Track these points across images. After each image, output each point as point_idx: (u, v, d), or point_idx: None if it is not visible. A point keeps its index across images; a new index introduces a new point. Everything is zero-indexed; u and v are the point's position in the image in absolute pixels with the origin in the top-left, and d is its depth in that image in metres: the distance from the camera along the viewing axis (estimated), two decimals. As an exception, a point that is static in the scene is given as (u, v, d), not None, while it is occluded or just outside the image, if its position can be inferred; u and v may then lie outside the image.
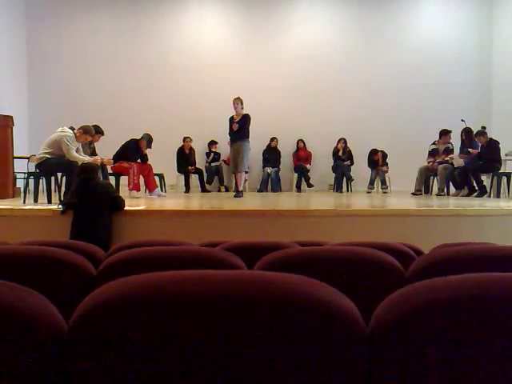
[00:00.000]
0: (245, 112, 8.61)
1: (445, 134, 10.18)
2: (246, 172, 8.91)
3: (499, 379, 0.98)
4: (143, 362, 0.96)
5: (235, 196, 8.61)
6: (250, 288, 0.99)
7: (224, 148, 11.91)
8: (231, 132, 8.59)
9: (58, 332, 0.99)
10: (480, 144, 9.37)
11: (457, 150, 10.11)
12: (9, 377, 0.97)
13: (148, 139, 8.89)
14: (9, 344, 0.97)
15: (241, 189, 8.78)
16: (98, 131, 7.99)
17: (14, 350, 0.97)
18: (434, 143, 10.33)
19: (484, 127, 9.56)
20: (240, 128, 8.43)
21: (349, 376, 0.98)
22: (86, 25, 12.14)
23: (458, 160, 9.52)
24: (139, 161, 8.84)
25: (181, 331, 0.96)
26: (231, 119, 8.62)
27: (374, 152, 11.27)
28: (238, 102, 8.56)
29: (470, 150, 9.44)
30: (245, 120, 8.49)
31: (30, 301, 1.03)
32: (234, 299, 0.96)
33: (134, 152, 8.79)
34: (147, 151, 8.97)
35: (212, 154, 11.87)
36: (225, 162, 11.96)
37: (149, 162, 8.92)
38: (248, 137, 8.54)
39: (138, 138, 8.95)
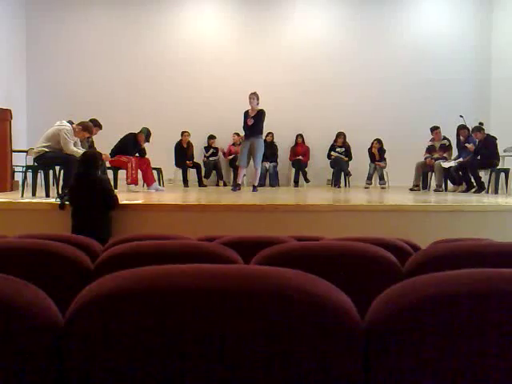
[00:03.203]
0: (243, 107, 8.60)
1: (433, 130, 10.24)
2: (245, 167, 8.94)
3: (496, 374, 0.99)
4: (139, 355, 0.96)
5: (232, 189, 8.66)
6: (245, 282, 0.99)
7: (223, 142, 11.91)
8: (245, 127, 8.56)
9: (53, 325, 0.99)
10: (477, 140, 9.40)
11: (454, 147, 10.18)
12: (4, 370, 0.97)
13: (147, 133, 8.88)
14: (4, 336, 0.97)
15: (256, 184, 8.88)
16: (96, 124, 7.99)
17: (10, 342, 0.97)
18: (431, 140, 10.38)
19: (481, 123, 9.56)
20: (255, 123, 8.41)
21: (345, 370, 0.98)
22: (84, 19, 12.09)
23: (449, 163, 9.61)
24: (137, 155, 8.83)
25: (176, 325, 0.96)
26: (246, 114, 8.59)
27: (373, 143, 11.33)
28: (253, 96, 8.53)
29: (467, 145, 9.47)
30: (260, 115, 8.47)
31: (26, 293, 1.03)
32: (230, 293, 0.96)
33: (132, 146, 8.77)
34: (145, 145, 8.96)
35: (211, 150, 11.86)
36: (224, 154, 11.95)
37: (147, 156, 8.91)
38: (262, 132, 8.55)
39: (137, 131, 8.94)
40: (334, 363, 0.97)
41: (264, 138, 11.64)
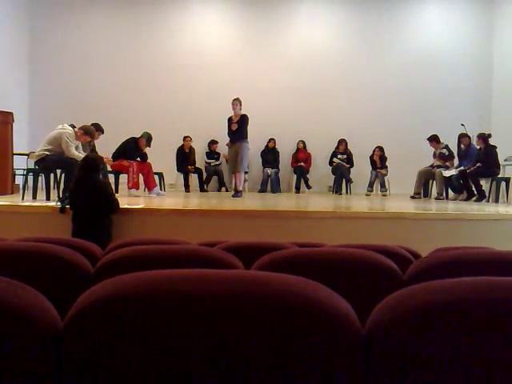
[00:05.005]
0: (245, 112, 8.65)
1: (428, 140, 10.26)
2: (246, 172, 8.93)
3: (494, 381, 0.98)
4: (138, 359, 0.96)
5: (233, 196, 8.64)
6: (246, 288, 0.99)
7: (224, 148, 11.91)
8: (230, 132, 8.63)
9: (53, 329, 0.99)
10: (478, 147, 9.41)
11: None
12: (4, 372, 0.97)
13: (148, 138, 8.87)
14: (4, 340, 0.96)
15: (240, 189, 8.81)
16: (98, 129, 7.99)
17: (9, 346, 0.97)
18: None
19: (490, 135, 9.52)
20: (239, 128, 8.48)
21: (345, 377, 0.98)
22: (87, 22, 12.13)
23: (450, 171, 9.60)
24: (139, 159, 8.82)
25: (176, 329, 0.96)
26: (229, 120, 8.66)
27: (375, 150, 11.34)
28: (236, 102, 8.63)
29: (462, 167, 9.47)
30: (243, 120, 8.54)
31: (25, 297, 1.03)
32: (230, 298, 0.96)
33: (133, 150, 8.77)
34: (147, 150, 8.95)
35: (213, 156, 11.84)
36: (227, 161, 11.94)
37: (148, 161, 8.91)
38: (246, 137, 8.58)
39: (138, 136, 8.93)
40: (334, 369, 0.97)
41: (266, 143, 11.72)
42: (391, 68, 12.31)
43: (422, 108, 12.16)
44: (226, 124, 8.70)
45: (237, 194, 8.68)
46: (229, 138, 8.84)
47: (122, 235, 5.17)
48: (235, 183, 9.19)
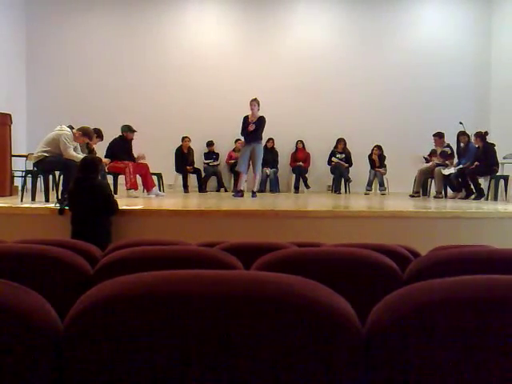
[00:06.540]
0: (243, 112, 8.65)
1: (434, 136, 10.25)
2: (246, 173, 8.95)
3: (496, 380, 0.98)
4: (138, 360, 0.96)
5: (234, 195, 8.67)
6: (246, 288, 0.99)
7: (223, 148, 11.91)
8: (246, 132, 8.61)
9: (53, 330, 0.99)
10: (476, 146, 9.41)
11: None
12: (4, 375, 0.97)
13: (128, 129, 8.86)
14: (4, 342, 0.96)
15: (256, 189, 8.96)
16: (99, 135, 7.99)
17: (9, 348, 0.97)
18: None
19: (487, 133, 9.52)
20: (256, 129, 8.48)
21: (345, 376, 0.98)
22: (85, 23, 12.11)
23: (449, 170, 9.60)
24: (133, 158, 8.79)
25: (176, 331, 0.96)
26: (245, 119, 8.64)
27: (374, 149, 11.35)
28: (255, 103, 8.62)
29: (461, 165, 9.47)
30: (261, 122, 8.55)
31: (25, 299, 1.03)
32: (231, 299, 0.96)
33: (120, 151, 8.68)
34: (145, 152, 8.89)
35: (214, 156, 11.85)
36: (227, 163, 11.94)
37: (146, 162, 8.87)
38: (262, 138, 8.62)
39: (118, 135, 8.89)
40: (334, 369, 0.97)
41: (264, 143, 11.71)
42: (389, 67, 12.31)
43: (420, 107, 12.16)
44: (241, 123, 8.66)
45: (253, 194, 8.82)
46: (243, 138, 8.83)
47: (121, 236, 5.17)
48: (236, 183, 9.21)
